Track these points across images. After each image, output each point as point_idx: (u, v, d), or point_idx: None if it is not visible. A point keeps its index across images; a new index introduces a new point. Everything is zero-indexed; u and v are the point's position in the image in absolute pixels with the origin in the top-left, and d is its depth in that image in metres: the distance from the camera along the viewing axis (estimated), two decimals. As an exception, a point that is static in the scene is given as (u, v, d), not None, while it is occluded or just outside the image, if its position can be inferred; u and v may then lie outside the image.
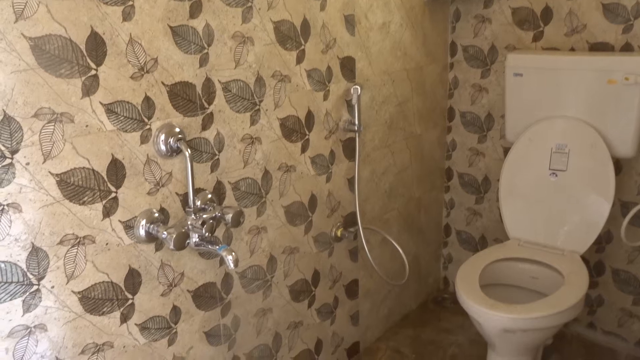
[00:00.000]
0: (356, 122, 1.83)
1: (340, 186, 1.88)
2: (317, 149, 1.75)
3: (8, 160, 1.05)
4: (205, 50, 1.36)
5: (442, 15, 2.24)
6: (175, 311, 1.42)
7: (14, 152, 1.05)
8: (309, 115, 1.70)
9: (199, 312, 1.48)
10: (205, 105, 1.39)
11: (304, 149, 1.70)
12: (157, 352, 1.39)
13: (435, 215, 2.53)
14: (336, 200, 1.88)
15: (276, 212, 1.66)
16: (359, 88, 1.80)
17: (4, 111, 1.02)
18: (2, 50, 0.99)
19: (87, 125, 1.15)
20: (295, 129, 1.66)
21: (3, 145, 1.03)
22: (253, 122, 1.52)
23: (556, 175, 1.96)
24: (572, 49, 2.03)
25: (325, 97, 1.74)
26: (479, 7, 2.20)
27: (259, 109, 1.53)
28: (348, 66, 1.81)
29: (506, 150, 2.27)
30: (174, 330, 1.43)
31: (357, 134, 1.85)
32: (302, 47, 1.62)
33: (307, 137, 1.71)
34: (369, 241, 2.02)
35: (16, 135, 1.05)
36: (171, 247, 1.27)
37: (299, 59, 1.62)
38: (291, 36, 1.58)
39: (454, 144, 2.44)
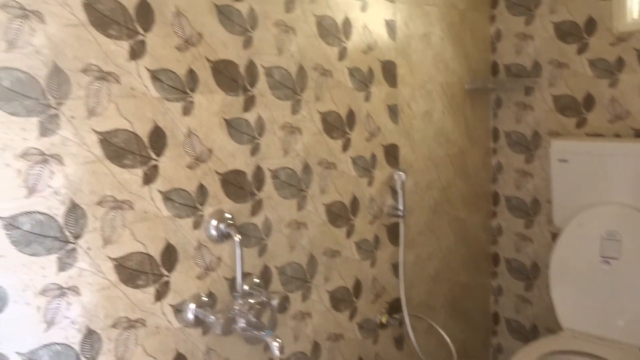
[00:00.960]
0: (400, 208, 1.85)
1: (384, 271, 1.88)
2: (361, 233, 1.77)
3: (71, 246, 1.11)
4: (257, 141, 1.43)
5: (484, 103, 2.30)
6: (219, 398, 1.40)
7: (77, 236, 1.11)
8: (354, 201, 1.73)
9: (242, 400, 1.46)
10: (255, 192, 1.44)
11: (349, 234, 1.72)
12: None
13: (483, 301, 2.45)
14: (381, 286, 1.87)
15: (321, 297, 1.66)
16: (402, 174, 1.84)
17: (72, 200, 1.10)
18: (74, 144, 1.09)
19: (145, 212, 1.22)
20: (340, 214, 1.69)
21: (68, 231, 1.10)
22: (300, 207, 1.56)
23: (609, 263, 1.89)
24: (617, 135, 2.03)
25: (370, 183, 1.78)
26: (519, 94, 2.25)
27: (305, 195, 1.58)
28: (392, 153, 1.86)
29: (554, 236, 2.22)
30: (217, 419, 1.40)
31: (401, 219, 1.86)
32: (348, 135, 1.69)
33: (352, 222, 1.73)
34: (415, 328, 1.97)
35: (81, 221, 1.12)
36: (218, 332, 1.28)
37: (345, 147, 1.68)
38: (337, 126, 1.65)
39: (500, 228, 2.41)
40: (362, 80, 1.71)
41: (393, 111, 1.84)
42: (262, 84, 1.43)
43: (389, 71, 1.81)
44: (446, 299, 2.20)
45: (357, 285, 1.78)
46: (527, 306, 2.39)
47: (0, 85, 1.00)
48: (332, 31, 1.60)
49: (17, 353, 1.06)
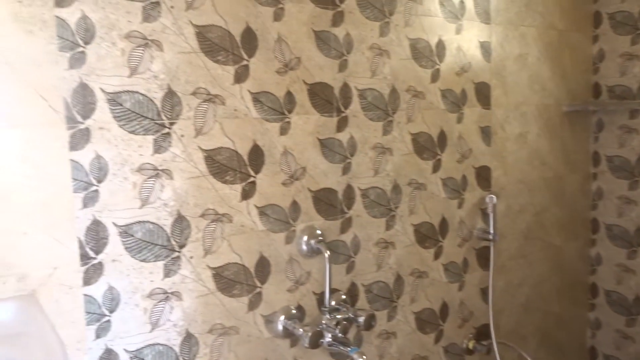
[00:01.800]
0: (491, 231, 1.81)
1: (473, 295, 1.84)
2: (450, 256, 1.75)
3: (176, 254, 1.20)
4: (348, 160, 1.47)
5: (583, 126, 2.20)
6: (304, 410, 1.44)
7: (181, 246, 1.21)
8: (443, 223, 1.72)
9: (325, 414, 1.49)
10: (345, 210, 1.48)
11: (436, 256, 1.71)
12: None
13: (579, 334, 2.32)
14: (468, 310, 1.83)
15: (406, 317, 1.66)
16: (494, 197, 1.80)
17: (179, 211, 1.20)
18: (183, 161, 1.18)
19: (242, 225, 1.29)
20: (428, 236, 1.68)
21: (174, 241, 1.20)
22: (388, 227, 1.58)
23: None
24: None
25: (460, 205, 1.76)
26: (624, 117, 2.14)
27: (394, 215, 1.59)
28: (483, 175, 1.83)
29: (662, 269, 2.06)
30: None
31: (491, 243, 1.82)
32: (439, 156, 1.68)
33: (440, 243, 1.72)
34: (503, 357, 1.90)
35: (186, 232, 1.21)
36: (306, 344, 1.32)
37: (435, 168, 1.68)
38: (428, 147, 1.65)
39: (599, 258, 2.28)
40: (455, 102, 1.71)
41: (486, 133, 1.82)
42: (355, 105, 1.47)
43: (483, 93, 1.79)
44: (537, 328, 2.10)
45: (444, 308, 1.76)
46: (629, 343, 2.23)
47: (123, 106, 1.11)
48: (426, 53, 1.62)
49: (125, 350, 1.16)
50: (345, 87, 1.45)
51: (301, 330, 1.35)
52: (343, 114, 1.45)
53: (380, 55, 1.51)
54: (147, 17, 1.13)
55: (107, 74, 1.09)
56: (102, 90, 1.09)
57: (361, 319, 1.42)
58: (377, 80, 1.51)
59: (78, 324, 1.09)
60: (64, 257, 1.06)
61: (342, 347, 1.36)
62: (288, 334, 1.39)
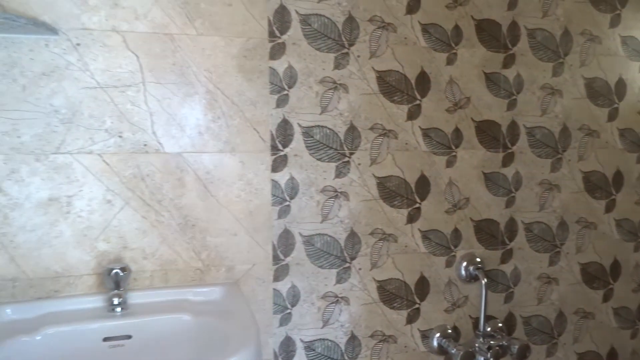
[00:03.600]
0: (674, 280, 1.69)
1: (648, 346, 1.73)
2: (621, 300, 1.68)
3: (347, 264, 1.41)
4: (512, 194, 1.54)
5: None
6: None
7: (352, 258, 1.41)
8: (615, 265, 1.67)
9: None
10: (507, 241, 1.55)
11: (605, 298, 1.66)
12: None
13: None
14: (642, 361, 1.73)
15: (568, 357, 1.64)
16: (679, 243, 1.69)
17: (352, 228, 1.40)
18: (358, 185, 1.39)
19: (406, 246, 1.45)
20: (597, 276, 1.65)
21: (346, 253, 1.40)
22: (552, 262, 1.60)
23: None
24: None
25: (637, 249, 1.69)
26: None
27: (559, 251, 1.60)
28: (668, 219, 1.73)
29: None
30: None
31: (674, 293, 1.70)
32: (613, 196, 1.65)
33: (610, 286, 1.67)
34: (683, 419, 1.74)
35: (357, 247, 1.41)
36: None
37: (608, 208, 1.64)
38: (601, 186, 1.63)
39: None
40: (635, 142, 1.66)
41: (672, 175, 1.72)
42: (522, 142, 1.54)
43: (670, 132, 1.70)
44: None
45: (612, 354, 1.69)
46: None
47: (314, 138, 1.36)
48: (603, 92, 1.61)
49: (301, 340, 1.39)
50: (513, 125, 1.53)
51: (455, 349, 1.45)
52: (509, 150, 1.53)
53: (551, 94, 1.56)
54: (337, 65, 1.36)
55: (304, 111, 1.35)
56: (299, 125, 1.35)
57: (515, 348, 1.47)
58: (547, 118, 1.56)
59: (267, 312, 1.35)
60: (261, 256, 1.33)
61: (493, 372, 1.42)
62: (442, 351, 1.50)
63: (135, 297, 1.22)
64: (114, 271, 1.18)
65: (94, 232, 1.21)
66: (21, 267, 1.18)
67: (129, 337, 1.14)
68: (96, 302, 1.20)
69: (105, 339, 1.12)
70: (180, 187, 1.26)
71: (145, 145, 1.22)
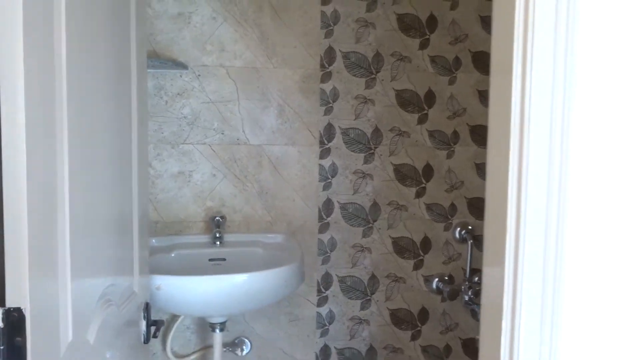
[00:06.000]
0: None
1: None
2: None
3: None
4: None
5: None
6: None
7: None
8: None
9: None
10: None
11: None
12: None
13: None
14: None
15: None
16: None
17: (375, 200, 2.01)
18: (380, 170, 1.99)
19: (414, 214, 2.04)
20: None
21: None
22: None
23: None
24: None
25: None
26: None
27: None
28: None
29: None
30: (443, 360, 2.11)
31: None
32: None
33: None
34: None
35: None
36: (446, 296, 2.00)
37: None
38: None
39: None
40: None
41: None
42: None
43: None
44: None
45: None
46: None
47: (349, 136, 1.97)
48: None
49: (337, 275, 2.02)
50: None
51: (448, 289, 2.03)
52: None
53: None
54: (367, 86, 1.97)
55: (343, 118, 1.96)
56: (339, 127, 1.96)
57: (490, 290, 2.02)
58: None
59: (313, 255, 1.99)
60: (310, 215, 1.98)
61: (475, 306, 2.00)
62: (439, 291, 2.08)
63: (228, 237, 1.90)
64: (216, 219, 1.86)
65: (204, 194, 1.90)
66: (160, 215, 1.88)
67: (224, 259, 1.82)
68: (205, 238, 1.89)
69: (210, 259, 1.81)
70: (259, 167, 1.92)
71: (238, 139, 1.89)
